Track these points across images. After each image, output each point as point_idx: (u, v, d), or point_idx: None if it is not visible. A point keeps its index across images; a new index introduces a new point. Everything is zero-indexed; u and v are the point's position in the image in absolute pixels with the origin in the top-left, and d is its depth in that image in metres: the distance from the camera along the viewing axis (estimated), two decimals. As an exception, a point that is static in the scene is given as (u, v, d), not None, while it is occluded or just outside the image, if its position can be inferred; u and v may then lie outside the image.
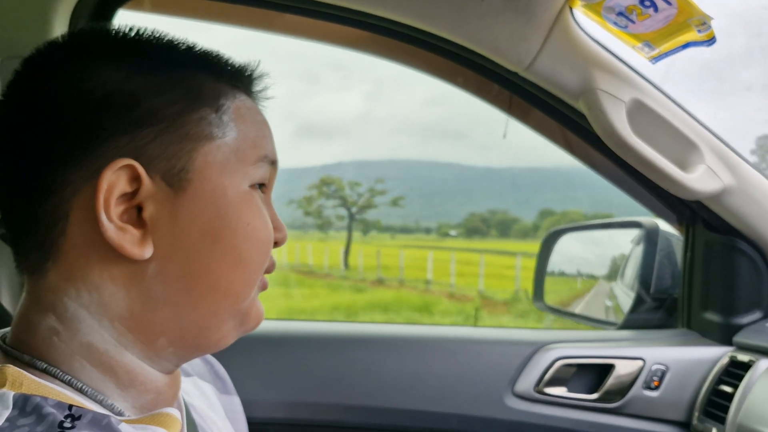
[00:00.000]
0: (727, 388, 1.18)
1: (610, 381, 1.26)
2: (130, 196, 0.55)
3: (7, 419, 0.47)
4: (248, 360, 1.29)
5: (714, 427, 1.16)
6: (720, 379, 1.22)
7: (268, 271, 0.64)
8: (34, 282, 0.56)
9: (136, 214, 0.55)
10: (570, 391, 1.29)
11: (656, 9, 1.00)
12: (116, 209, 0.54)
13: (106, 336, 0.55)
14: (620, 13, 1.03)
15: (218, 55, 0.62)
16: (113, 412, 0.54)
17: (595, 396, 1.27)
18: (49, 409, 0.48)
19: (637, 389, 1.26)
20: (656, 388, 1.26)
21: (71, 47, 0.58)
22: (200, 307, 0.57)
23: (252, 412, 1.13)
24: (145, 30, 0.60)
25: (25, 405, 0.48)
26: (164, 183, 0.55)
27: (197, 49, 0.61)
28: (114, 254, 0.54)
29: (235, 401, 0.82)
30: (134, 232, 0.54)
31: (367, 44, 1.32)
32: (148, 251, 0.55)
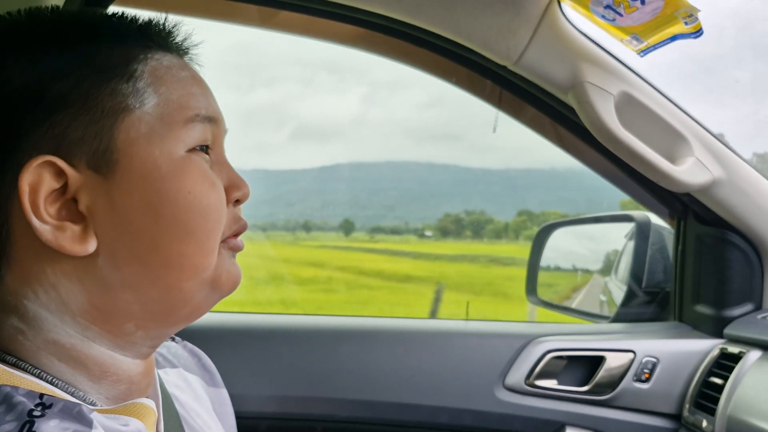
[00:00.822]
0: (718, 380, 1.18)
1: (601, 373, 1.27)
2: (61, 191, 0.53)
3: None
4: (238, 354, 1.29)
5: (704, 419, 1.16)
6: (710, 371, 1.22)
7: (239, 232, 0.61)
8: None
9: (74, 207, 0.54)
10: (561, 383, 1.29)
11: (643, 2, 1.00)
12: (50, 208, 0.52)
13: (70, 331, 0.54)
14: (608, 6, 1.03)
15: (122, 16, 0.59)
16: (86, 403, 0.53)
17: (585, 388, 1.27)
18: (19, 398, 0.48)
19: (627, 381, 1.26)
20: (647, 380, 1.26)
21: None
22: (160, 285, 0.56)
23: (242, 406, 1.13)
24: (40, 11, 0.57)
25: None
26: (91, 170, 0.53)
27: (96, 16, 0.58)
28: (61, 253, 0.53)
29: (223, 394, 0.81)
30: (74, 228, 0.53)
31: (361, 41, 1.32)
32: (90, 245, 0.53)
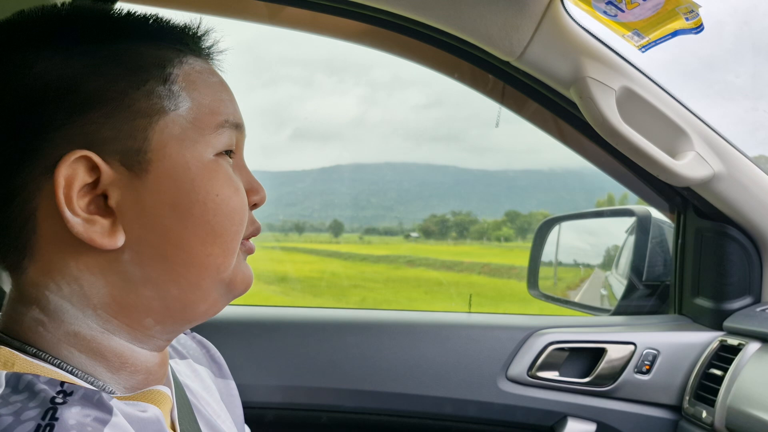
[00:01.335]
0: (717, 372, 1.20)
1: (602, 365, 1.28)
2: (92, 186, 0.53)
3: (0, 396, 0.48)
4: (245, 345, 1.31)
5: (704, 410, 1.18)
6: (710, 363, 1.24)
7: (253, 235, 0.63)
8: (15, 278, 0.57)
9: (103, 202, 0.54)
10: (562, 375, 1.30)
11: (644, -2, 1.02)
12: (80, 201, 0.53)
13: (91, 324, 0.55)
14: (609, 2, 1.04)
15: (157, 18, 0.59)
16: (105, 392, 0.54)
17: (587, 380, 1.29)
18: (41, 386, 0.49)
19: (628, 373, 1.28)
20: (647, 371, 1.28)
21: (2, 38, 0.56)
22: (181, 282, 0.57)
23: (249, 397, 1.14)
24: (76, 6, 0.57)
25: (17, 383, 0.49)
26: (124, 167, 0.54)
27: (134, 16, 0.58)
28: (87, 245, 0.53)
29: (231, 385, 0.82)
30: (103, 222, 0.53)
31: (365, 37, 1.33)
32: (119, 239, 0.54)
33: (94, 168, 0.53)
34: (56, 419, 0.47)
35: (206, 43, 0.61)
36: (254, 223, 0.63)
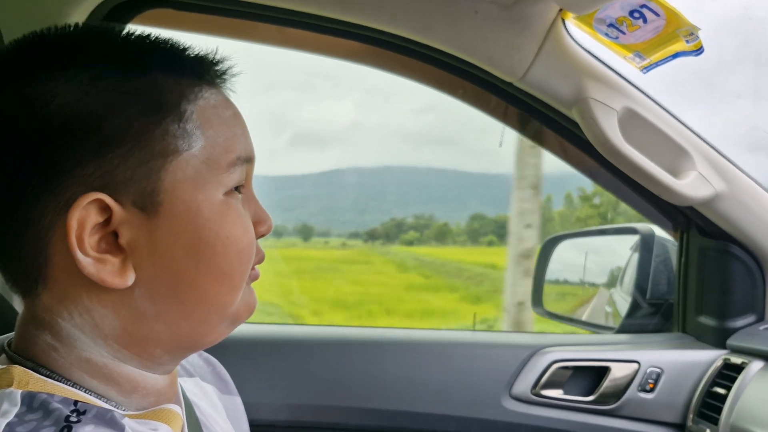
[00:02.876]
0: (721, 390, 1.20)
1: (606, 383, 1.28)
2: (104, 224, 0.53)
3: (16, 415, 0.49)
4: (251, 363, 1.31)
5: (708, 428, 1.18)
6: (714, 381, 1.24)
7: (258, 263, 0.63)
8: (28, 301, 0.57)
9: (113, 240, 0.54)
10: (566, 393, 1.30)
11: (645, 20, 1.03)
12: (91, 239, 0.52)
13: (103, 352, 0.56)
14: (611, 25, 1.06)
15: (175, 44, 0.57)
16: (117, 409, 0.55)
17: (591, 398, 1.29)
18: (56, 405, 0.50)
19: (632, 391, 1.28)
20: (651, 390, 1.28)
21: (19, 62, 0.54)
22: (191, 318, 0.57)
23: (255, 414, 1.15)
24: (94, 28, 0.56)
25: (32, 402, 0.50)
26: (136, 208, 0.53)
27: (153, 41, 0.56)
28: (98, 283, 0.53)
29: (237, 401, 0.83)
30: (113, 261, 0.53)
31: (368, 57, 1.35)
32: (130, 278, 0.54)
33: (105, 208, 0.53)
34: None
35: (221, 71, 0.60)
36: (259, 252, 0.62)
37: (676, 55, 1.07)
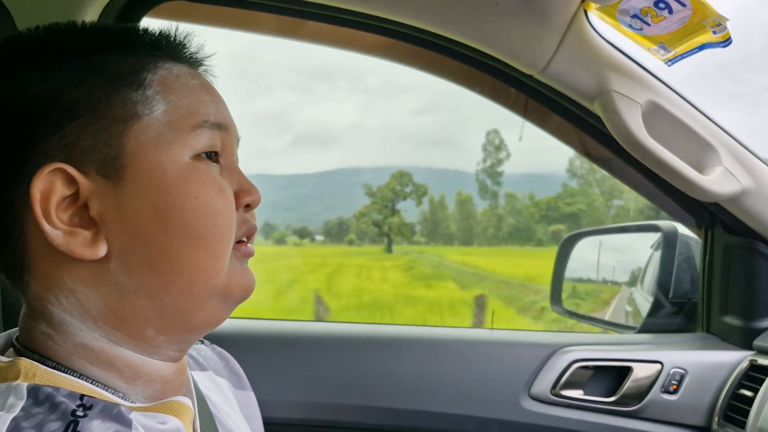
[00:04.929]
0: (748, 393, 1.17)
1: (628, 384, 1.26)
2: (74, 198, 0.54)
3: (22, 408, 0.49)
4: (266, 360, 1.30)
5: (733, 432, 1.15)
6: (740, 383, 1.21)
7: (248, 236, 0.62)
8: (23, 294, 0.58)
9: (86, 214, 0.55)
10: (587, 393, 1.28)
11: (671, 11, 1.00)
12: (62, 214, 0.54)
13: (96, 335, 0.56)
14: (635, 16, 1.03)
15: (134, 29, 0.60)
16: (124, 401, 0.55)
17: (612, 399, 1.26)
18: (61, 399, 0.50)
19: (655, 393, 1.25)
20: (675, 391, 1.25)
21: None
22: (172, 290, 0.56)
23: (269, 412, 1.14)
24: (57, 24, 0.59)
25: (37, 394, 0.50)
26: (101, 176, 0.54)
27: (111, 29, 0.60)
28: (74, 257, 0.54)
29: (250, 396, 0.83)
30: (84, 234, 0.54)
31: (387, 51, 1.33)
32: (101, 250, 0.54)
33: (72, 180, 0.54)
34: None
35: (188, 50, 0.62)
36: (247, 223, 0.62)
37: (702, 47, 1.04)
